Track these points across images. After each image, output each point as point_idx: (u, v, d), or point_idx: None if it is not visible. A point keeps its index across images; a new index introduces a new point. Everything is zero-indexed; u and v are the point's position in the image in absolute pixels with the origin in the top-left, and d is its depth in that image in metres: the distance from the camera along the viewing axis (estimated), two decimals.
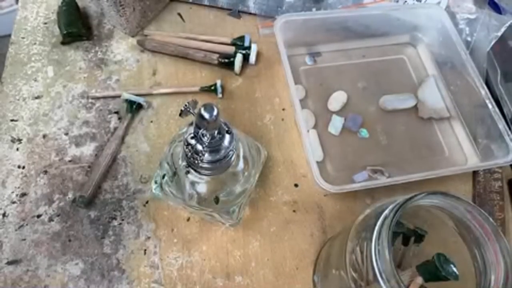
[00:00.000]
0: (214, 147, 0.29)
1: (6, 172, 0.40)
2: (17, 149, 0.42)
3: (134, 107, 0.43)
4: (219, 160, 0.29)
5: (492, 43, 0.48)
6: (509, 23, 0.47)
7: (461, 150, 0.46)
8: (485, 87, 0.44)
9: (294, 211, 0.41)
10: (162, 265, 0.38)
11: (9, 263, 0.37)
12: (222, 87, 0.45)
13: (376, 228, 0.26)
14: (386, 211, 0.26)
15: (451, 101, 0.48)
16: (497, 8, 0.52)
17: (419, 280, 0.28)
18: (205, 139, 0.28)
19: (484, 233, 0.27)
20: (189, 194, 0.33)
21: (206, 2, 0.51)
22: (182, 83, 0.46)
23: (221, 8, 0.52)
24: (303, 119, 0.41)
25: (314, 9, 0.51)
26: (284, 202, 0.41)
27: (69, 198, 0.40)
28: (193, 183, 0.33)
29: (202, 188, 0.33)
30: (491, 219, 0.27)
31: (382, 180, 0.40)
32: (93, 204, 0.39)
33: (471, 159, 0.45)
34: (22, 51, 0.47)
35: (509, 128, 0.42)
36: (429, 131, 0.47)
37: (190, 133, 0.29)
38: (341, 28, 0.48)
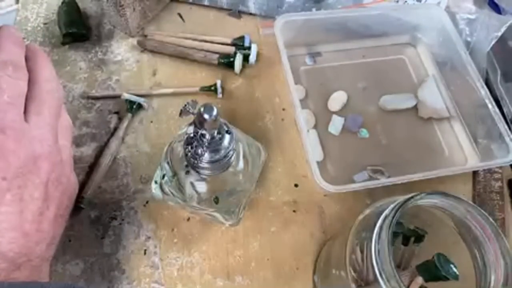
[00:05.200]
0: (214, 147, 0.29)
1: None
2: None
3: (134, 107, 0.43)
4: (219, 160, 0.29)
5: (492, 43, 0.48)
6: (509, 23, 0.47)
7: (461, 150, 0.46)
8: (485, 87, 0.44)
9: (294, 211, 0.41)
10: (162, 265, 0.38)
11: None
12: (222, 87, 0.45)
13: (376, 228, 0.26)
14: (386, 211, 0.27)
15: (451, 101, 0.48)
16: (497, 9, 0.52)
17: (419, 280, 0.28)
18: (205, 139, 0.28)
19: (484, 233, 0.27)
20: (189, 194, 0.33)
21: (206, 2, 0.51)
22: (182, 83, 0.46)
23: (221, 8, 0.52)
24: (303, 119, 0.41)
25: (314, 9, 0.51)
26: (284, 202, 0.41)
27: None
28: (193, 183, 0.33)
29: (202, 188, 0.33)
30: (491, 219, 0.27)
31: (382, 180, 0.40)
32: (93, 204, 0.39)
33: (471, 159, 0.45)
34: None
35: (509, 128, 0.42)
36: (429, 131, 0.47)
37: (190, 133, 0.29)
38: (341, 28, 0.48)
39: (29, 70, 0.28)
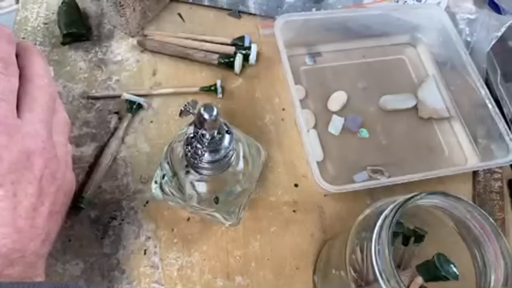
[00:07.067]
0: (214, 147, 0.29)
1: None
2: None
3: (134, 107, 0.43)
4: (219, 160, 0.29)
5: (492, 43, 0.48)
6: (509, 23, 0.47)
7: (461, 150, 0.46)
8: (485, 87, 0.44)
9: (294, 211, 0.41)
10: (162, 265, 0.38)
11: None
12: (222, 87, 0.45)
13: (376, 228, 0.26)
14: (386, 211, 0.27)
15: (451, 101, 0.48)
16: (497, 8, 0.52)
17: (419, 280, 0.28)
18: (205, 139, 0.28)
19: (484, 233, 0.27)
20: (189, 194, 0.33)
21: (206, 2, 0.51)
22: (182, 83, 0.46)
23: (221, 8, 0.52)
24: (303, 119, 0.41)
25: (314, 9, 0.51)
26: (284, 202, 0.41)
27: None
28: (193, 183, 0.33)
29: (202, 188, 0.33)
30: (491, 219, 0.27)
31: (382, 180, 0.40)
32: (93, 204, 0.39)
33: (471, 159, 0.45)
34: None
35: (509, 128, 0.42)
36: (429, 131, 0.47)
37: (190, 133, 0.29)
38: (341, 28, 0.48)
39: (21, 67, 0.28)
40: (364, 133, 0.45)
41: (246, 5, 0.51)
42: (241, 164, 0.33)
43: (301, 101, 0.45)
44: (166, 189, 0.35)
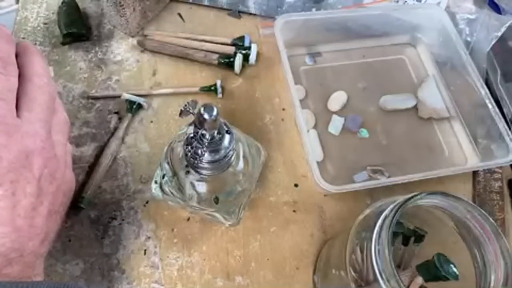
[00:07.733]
0: (214, 147, 0.29)
1: None
2: None
3: (134, 107, 0.43)
4: (219, 160, 0.29)
5: (492, 43, 0.48)
6: (509, 23, 0.47)
7: (461, 150, 0.46)
8: (485, 87, 0.44)
9: (294, 211, 0.41)
10: (162, 265, 0.38)
11: None
12: (222, 87, 0.45)
13: (376, 228, 0.26)
14: (386, 211, 0.27)
15: (451, 101, 0.48)
16: (497, 8, 0.52)
17: (419, 280, 0.28)
18: (205, 139, 0.28)
19: (484, 233, 0.27)
20: (189, 194, 0.33)
21: (206, 2, 0.51)
22: (182, 83, 0.46)
23: (221, 8, 0.52)
24: (303, 119, 0.41)
25: (314, 9, 0.51)
26: (284, 202, 0.41)
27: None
28: (193, 183, 0.33)
29: (202, 188, 0.33)
30: (491, 219, 0.27)
31: (382, 180, 0.40)
32: (93, 204, 0.39)
33: (471, 159, 0.45)
34: None
35: (509, 128, 0.42)
36: (429, 131, 0.47)
37: (190, 133, 0.29)
38: (341, 28, 0.48)
39: (20, 66, 0.28)
40: (364, 133, 0.45)
41: (246, 5, 0.51)
42: (241, 164, 0.33)
43: (301, 101, 0.45)
44: (166, 189, 0.35)
